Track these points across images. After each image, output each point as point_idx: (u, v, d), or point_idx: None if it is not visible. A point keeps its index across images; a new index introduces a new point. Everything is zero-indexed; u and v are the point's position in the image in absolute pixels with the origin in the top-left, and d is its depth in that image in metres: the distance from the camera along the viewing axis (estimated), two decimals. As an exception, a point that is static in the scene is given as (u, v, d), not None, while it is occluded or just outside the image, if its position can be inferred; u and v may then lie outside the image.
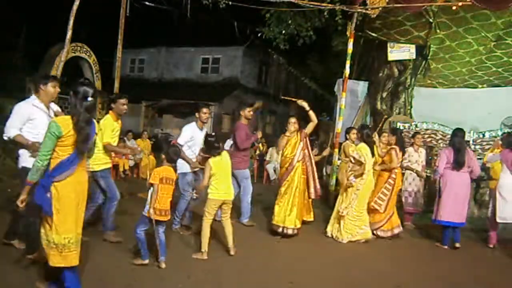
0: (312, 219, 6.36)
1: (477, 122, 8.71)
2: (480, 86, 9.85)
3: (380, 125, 9.34)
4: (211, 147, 4.50)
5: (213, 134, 4.78)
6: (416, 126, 8.76)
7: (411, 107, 9.86)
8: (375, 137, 6.28)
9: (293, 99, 5.90)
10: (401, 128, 8.70)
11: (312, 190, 5.61)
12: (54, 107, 3.99)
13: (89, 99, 2.93)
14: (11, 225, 4.02)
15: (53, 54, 9.10)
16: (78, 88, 2.93)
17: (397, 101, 9.72)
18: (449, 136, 7.93)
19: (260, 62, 20.86)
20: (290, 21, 10.21)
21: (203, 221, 4.45)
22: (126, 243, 4.44)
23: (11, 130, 3.67)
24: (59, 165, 2.86)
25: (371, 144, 5.71)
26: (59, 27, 9.06)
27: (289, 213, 5.38)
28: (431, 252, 5.50)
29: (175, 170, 4.52)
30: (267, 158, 11.45)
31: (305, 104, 5.60)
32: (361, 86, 10.67)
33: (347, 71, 8.07)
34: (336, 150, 7.77)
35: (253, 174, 10.36)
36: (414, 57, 9.12)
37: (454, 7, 7.22)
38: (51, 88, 3.81)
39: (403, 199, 6.91)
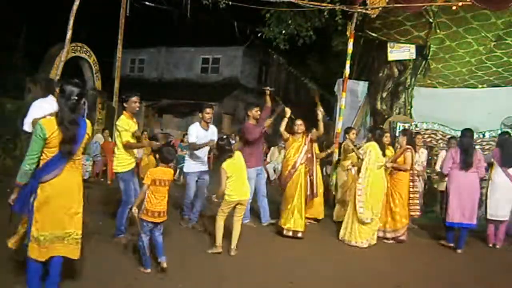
0: (322, 216, 6.41)
1: (477, 122, 8.68)
2: (480, 86, 9.84)
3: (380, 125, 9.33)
4: (223, 151, 4.51)
5: (224, 137, 4.76)
6: (416, 126, 8.74)
7: (411, 107, 9.84)
8: (397, 140, 6.26)
9: (318, 101, 5.86)
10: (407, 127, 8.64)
11: (308, 192, 5.58)
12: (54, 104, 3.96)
13: (73, 98, 2.89)
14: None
15: (53, 54, 9.11)
16: (64, 87, 2.91)
17: (397, 101, 9.71)
18: (449, 136, 7.96)
19: (260, 62, 20.82)
20: (290, 21, 10.19)
21: (217, 217, 4.55)
22: (126, 243, 4.46)
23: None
24: (44, 167, 2.87)
25: (382, 145, 5.68)
26: (59, 27, 9.07)
27: (292, 215, 5.39)
28: (431, 252, 5.50)
29: (175, 170, 4.50)
30: (267, 158, 11.44)
31: (320, 113, 5.59)
32: (361, 86, 10.66)
33: (347, 71, 8.07)
34: (336, 150, 7.77)
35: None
36: (414, 57, 9.10)
37: (454, 7, 7.21)
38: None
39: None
